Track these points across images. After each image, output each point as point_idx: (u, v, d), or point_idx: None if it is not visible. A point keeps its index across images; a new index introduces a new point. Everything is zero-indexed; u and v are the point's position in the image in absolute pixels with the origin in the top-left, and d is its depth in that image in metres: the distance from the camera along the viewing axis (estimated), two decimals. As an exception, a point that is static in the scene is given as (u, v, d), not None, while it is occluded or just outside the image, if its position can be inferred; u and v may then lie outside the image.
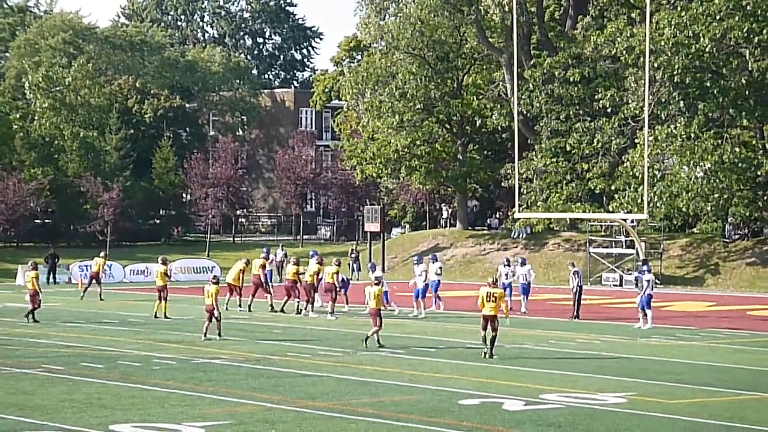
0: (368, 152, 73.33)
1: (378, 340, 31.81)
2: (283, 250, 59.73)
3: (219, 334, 33.41)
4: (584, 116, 65.58)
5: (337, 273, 41.83)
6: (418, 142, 72.02)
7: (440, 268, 44.86)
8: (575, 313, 41.66)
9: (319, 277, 42.34)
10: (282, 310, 42.51)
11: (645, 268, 39.93)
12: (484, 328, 29.42)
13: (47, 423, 19.84)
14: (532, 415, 21.38)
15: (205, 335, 33.41)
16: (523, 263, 44.62)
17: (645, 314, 38.26)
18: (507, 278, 43.47)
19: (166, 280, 40.93)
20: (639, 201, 55.72)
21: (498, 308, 29.37)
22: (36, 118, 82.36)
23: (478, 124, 74.15)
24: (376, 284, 32.43)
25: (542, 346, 33.07)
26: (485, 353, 29.29)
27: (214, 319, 33.33)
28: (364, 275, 57.57)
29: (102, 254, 51.35)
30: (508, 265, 45.13)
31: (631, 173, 59.33)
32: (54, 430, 19.23)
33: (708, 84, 59.21)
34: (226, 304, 42.99)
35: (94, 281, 49.17)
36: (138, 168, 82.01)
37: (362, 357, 29.87)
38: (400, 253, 73.37)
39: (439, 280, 44.01)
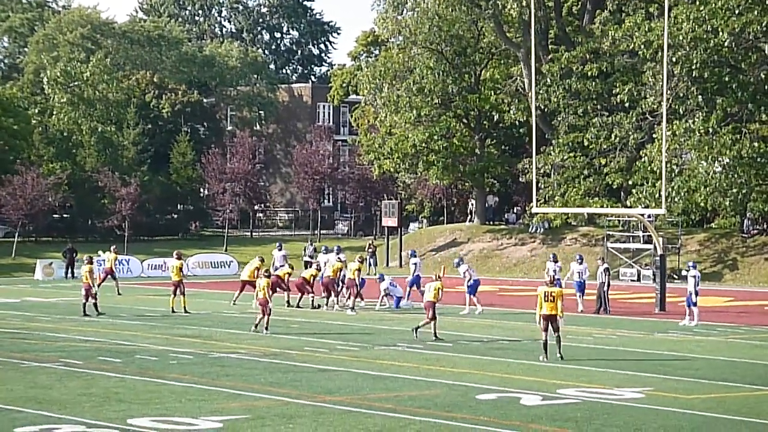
0: (386, 147, 73.29)
1: (435, 333, 32.10)
2: (312, 245, 59.60)
3: (266, 328, 33.53)
4: (602, 111, 65.45)
5: (359, 270, 42.01)
6: (435, 137, 71.91)
7: (416, 264, 45.83)
8: (605, 307, 41.79)
9: (342, 273, 42.47)
10: (298, 306, 42.57)
11: (690, 264, 39.83)
12: (545, 330, 28.23)
13: (65, 417, 19.92)
14: (549, 409, 21.39)
15: (256, 326, 33.57)
16: (580, 261, 43.45)
17: (691, 310, 37.97)
18: (556, 275, 43.05)
19: (181, 275, 41.01)
20: (657, 196, 55.62)
21: (557, 307, 28.29)
22: (54, 113, 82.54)
23: (495, 119, 74.03)
24: (437, 279, 33.02)
25: (559, 341, 33.01)
26: (543, 357, 28.19)
27: (265, 313, 33.52)
28: (380, 271, 57.68)
29: (113, 248, 51.28)
30: (556, 261, 44.80)
31: (648, 168, 59.21)
32: (72, 423, 19.30)
33: (726, 79, 59.06)
34: (234, 300, 43.12)
35: (109, 276, 49.04)
36: (155, 163, 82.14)
37: (379, 352, 29.90)
38: (417, 248, 73.22)
39: (418, 275, 44.87)
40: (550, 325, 28.32)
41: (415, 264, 46.11)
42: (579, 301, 42.37)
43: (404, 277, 48.30)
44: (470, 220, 77.96)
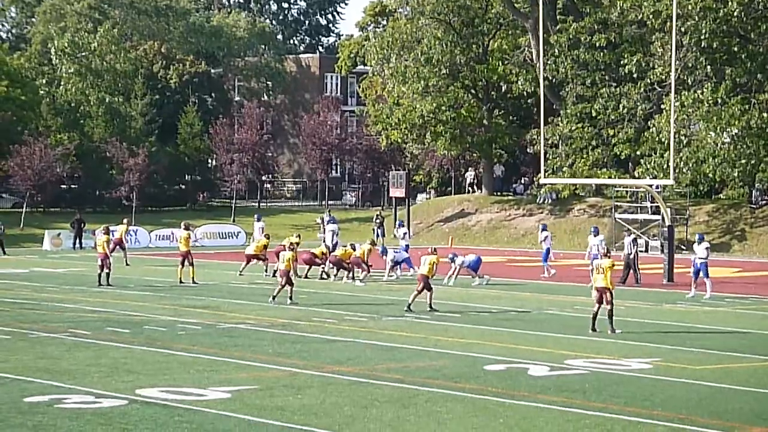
0: (393, 118, 73.18)
1: (430, 305, 32.09)
2: (330, 215, 59.47)
3: (286, 296, 33.63)
4: (610, 82, 65.28)
5: (370, 251, 41.93)
6: (443, 108, 71.79)
7: (405, 234, 47.09)
8: (636, 277, 41.33)
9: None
10: (306, 276, 42.61)
11: (699, 236, 39.56)
12: (598, 302, 28.00)
13: (75, 387, 19.98)
14: (557, 380, 21.41)
15: (290, 299, 33.62)
16: (596, 233, 42.36)
17: (705, 282, 37.59)
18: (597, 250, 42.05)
19: (189, 246, 41.02)
20: (665, 167, 55.50)
21: (608, 279, 27.87)
22: (62, 83, 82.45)
23: (503, 90, 73.86)
24: (433, 253, 33.02)
25: (567, 311, 33.07)
26: (591, 328, 27.94)
27: (287, 284, 33.58)
28: (389, 241, 57.67)
29: (125, 221, 51.49)
30: (597, 235, 42.68)
31: (656, 139, 59.09)
32: (81, 394, 19.35)
33: (736, 49, 58.84)
34: (241, 270, 43.15)
35: (117, 247, 49.04)
36: (163, 133, 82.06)
37: (387, 322, 29.93)
38: (424, 219, 73.35)
39: (407, 245, 45.32)
40: (602, 297, 28.09)
41: (405, 233, 46.56)
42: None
43: (414, 248, 48.25)
44: (470, 191, 78.07)
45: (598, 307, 28.15)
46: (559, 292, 39.06)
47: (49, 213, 74.24)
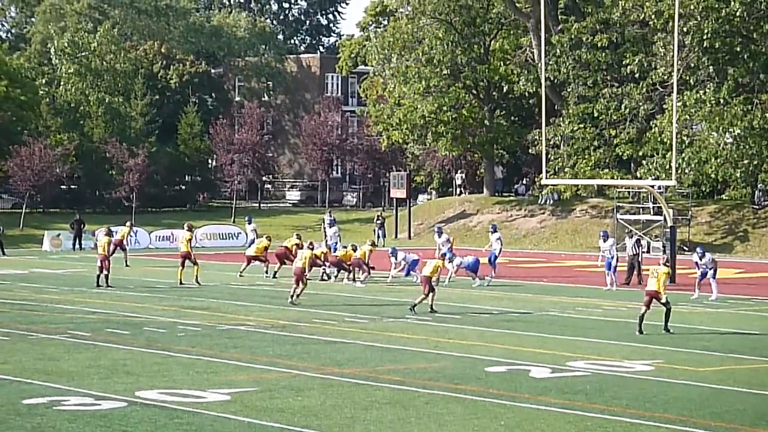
0: (394, 118, 73.09)
1: (431, 307, 31.95)
2: (331, 216, 59.29)
3: (297, 296, 33.64)
4: (612, 82, 65.18)
5: (371, 251, 41.61)
6: (444, 108, 71.66)
7: (448, 240, 46.55)
8: (640, 279, 40.90)
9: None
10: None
11: (700, 250, 39.05)
12: (646, 305, 28.08)
13: (73, 389, 19.88)
14: (558, 382, 21.30)
15: (293, 298, 33.48)
16: (606, 238, 41.72)
17: (710, 283, 37.42)
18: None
19: (189, 247, 40.87)
20: (667, 167, 55.39)
21: (660, 284, 27.99)
22: (61, 83, 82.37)
23: (505, 90, 73.74)
24: (441, 257, 33.67)
25: (568, 313, 32.96)
26: (638, 330, 27.81)
27: (301, 284, 33.45)
28: (390, 242, 57.53)
29: (128, 223, 51.38)
30: (606, 237, 41.92)
31: (659, 139, 59.00)
32: (80, 395, 19.24)
33: (738, 49, 58.72)
34: (241, 271, 43.01)
35: (118, 248, 48.90)
36: (163, 134, 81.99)
37: (388, 324, 29.82)
38: (426, 220, 73.21)
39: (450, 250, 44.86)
40: (652, 301, 28.16)
41: (448, 239, 46.50)
42: (607, 279, 40.77)
43: (416, 249, 48.19)
44: (459, 193, 78.05)
45: (645, 311, 28.10)
46: (561, 293, 38.93)
47: (49, 213, 74.16)
